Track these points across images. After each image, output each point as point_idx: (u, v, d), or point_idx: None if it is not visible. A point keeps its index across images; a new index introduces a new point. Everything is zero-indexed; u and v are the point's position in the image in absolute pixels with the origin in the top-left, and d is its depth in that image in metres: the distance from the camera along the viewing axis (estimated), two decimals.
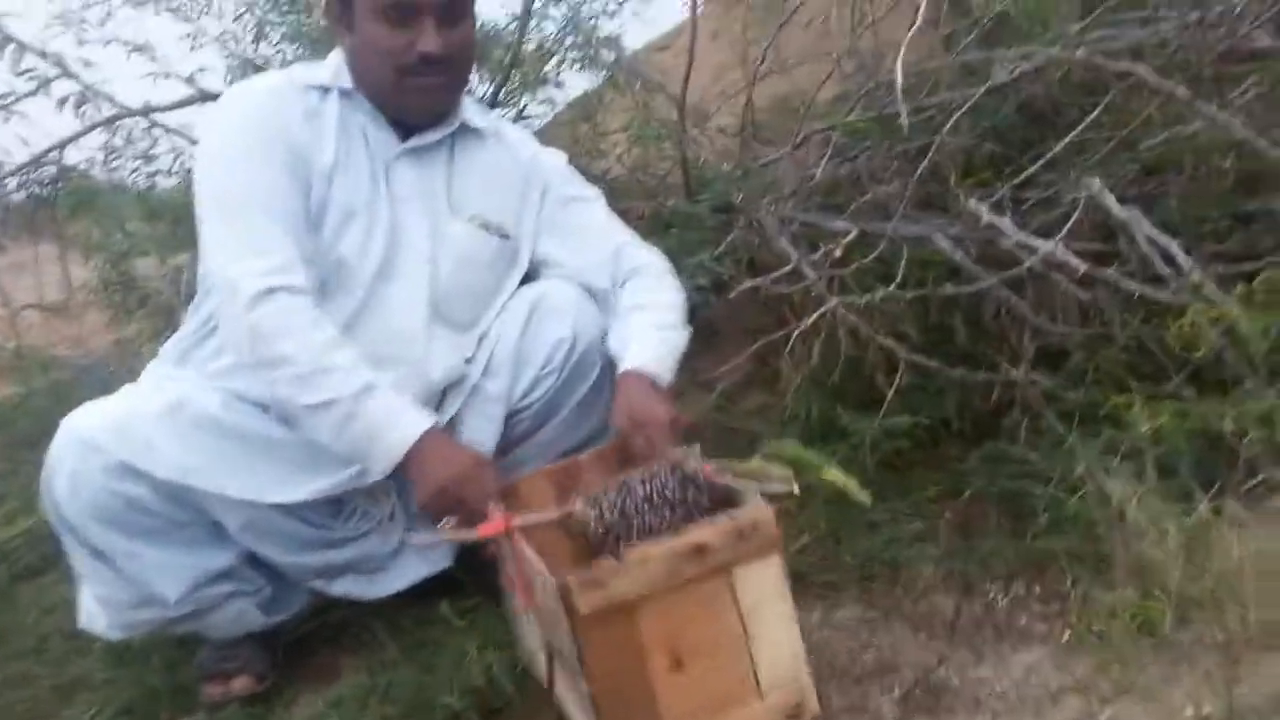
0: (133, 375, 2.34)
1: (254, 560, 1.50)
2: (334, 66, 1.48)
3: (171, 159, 2.58)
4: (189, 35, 2.76)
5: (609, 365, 1.50)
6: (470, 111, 1.54)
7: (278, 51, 2.61)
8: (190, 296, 2.25)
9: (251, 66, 2.51)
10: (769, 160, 2.46)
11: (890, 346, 1.96)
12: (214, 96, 2.56)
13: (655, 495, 1.20)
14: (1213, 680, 1.19)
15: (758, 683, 1.18)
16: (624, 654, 1.06)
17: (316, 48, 2.56)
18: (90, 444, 1.36)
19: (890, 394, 1.95)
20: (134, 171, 2.69)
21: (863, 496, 1.27)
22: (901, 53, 1.82)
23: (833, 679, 1.38)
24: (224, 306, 1.36)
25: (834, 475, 1.26)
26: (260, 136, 1.39)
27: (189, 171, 2.70)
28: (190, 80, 2.68)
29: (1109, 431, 1.64)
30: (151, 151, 2.70)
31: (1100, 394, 1.73)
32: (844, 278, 2.08)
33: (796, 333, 1.99)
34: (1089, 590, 1.47)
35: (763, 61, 2.56)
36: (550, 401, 1.53)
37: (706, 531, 1.15)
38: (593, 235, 1.56)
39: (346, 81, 1.46)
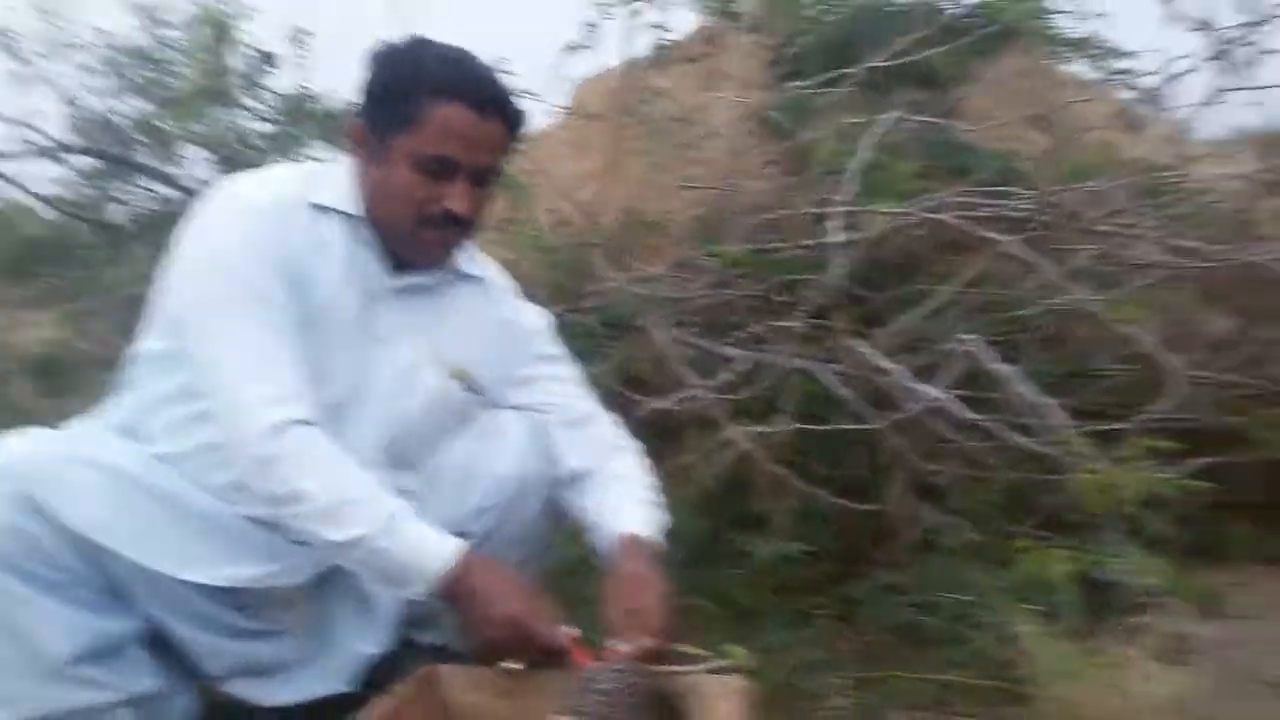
0: None
1: (150, 645, 1.35)
2: (340, 188, 1.39)
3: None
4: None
5: (546, 505, 1.50)
6: (462, 256, 1.49)
7: (134, 108, 2.41)
8: None
9: (103, 121, 2.30)
10: (646, 278, 2.52)
11: (782, 474, 2.05)
12: (53, 149, 2.33)
13: (625, 693, 1.17)
14: None
15: None
16: None
17: (178, 111, 2.39)
18: (1, 468, 1.22)
19: (781, 519, 2.03)
20: None
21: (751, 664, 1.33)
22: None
23: None
24: (229, 431, 1.28)
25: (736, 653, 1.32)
26: (266, 262, 1.31)
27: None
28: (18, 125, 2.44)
29: (994, 571, 1.80)
30: None
31: (981, 531, 1.89)
32: (732, 402, 2.17)
33: (695, 456, 2.04)
34: None
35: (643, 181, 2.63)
36: (484, 537, 1.47)
37: (733, 707, 1.18)
38: (558, 387, 1.55)
39: (352, 206, 1.39)
